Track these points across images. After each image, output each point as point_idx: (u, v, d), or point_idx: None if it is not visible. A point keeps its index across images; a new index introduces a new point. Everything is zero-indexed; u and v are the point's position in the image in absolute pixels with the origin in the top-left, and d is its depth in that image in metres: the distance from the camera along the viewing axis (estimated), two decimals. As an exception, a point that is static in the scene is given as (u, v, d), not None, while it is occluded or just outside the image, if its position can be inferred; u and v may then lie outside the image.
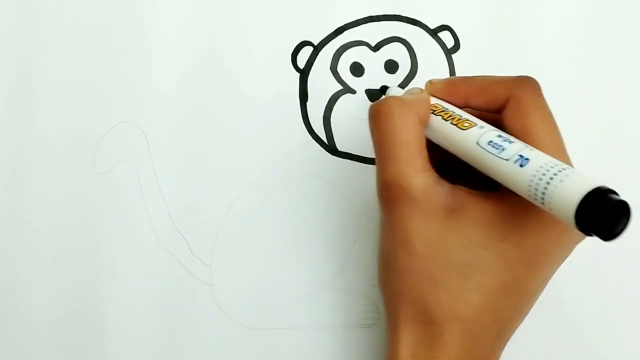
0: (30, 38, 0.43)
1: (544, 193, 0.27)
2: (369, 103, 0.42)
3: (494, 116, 0.33)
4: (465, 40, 0.42)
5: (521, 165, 0.28)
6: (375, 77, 0.42)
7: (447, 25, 0.42)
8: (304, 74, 0.43)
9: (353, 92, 0.42)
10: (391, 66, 0.42)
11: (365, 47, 0.42)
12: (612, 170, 0.41)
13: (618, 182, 0.41)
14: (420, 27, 0.43)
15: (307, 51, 0.43)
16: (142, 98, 0.43)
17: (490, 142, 0.30)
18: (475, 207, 0.31)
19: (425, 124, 0.33)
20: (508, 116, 0.32)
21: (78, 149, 0.42)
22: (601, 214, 0.26)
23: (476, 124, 0.32)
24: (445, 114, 0.33)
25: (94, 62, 0.43)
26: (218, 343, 0.40)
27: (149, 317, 0.41)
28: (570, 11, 0.43)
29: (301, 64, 0.43)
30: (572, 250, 0.33)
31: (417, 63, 0.42)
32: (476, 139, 0.31)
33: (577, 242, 0.32)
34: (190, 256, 0.41)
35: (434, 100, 0.35)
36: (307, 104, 0.42)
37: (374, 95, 0.42)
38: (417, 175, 0.31)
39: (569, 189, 0.26)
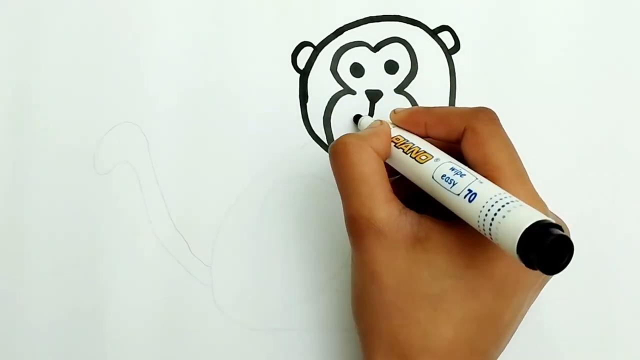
0: (31, 39, 0.43)
1: (490, 227, 0.27)
2: (369, 103, 0.42)
3: (456, 147, 0.33)
4: (465, 41, 0.42)
5: (470, 201, 0.29)
6: (375, 77, 0.42)
7: (447, 26, 0.42)
8: (304, 74, 0.43)
9: (353, 92, 0.42)
10: (391, 67, 0.42)
11: (365, 48, 0.42)
12: (612, 171, 0.41)
13: (618, 183, 0.41)
14: (420, 27, 0.43)
15: (307, 52, 0.43)
16: (142, 99, 0.43)
17: (444, 176, 0.31)
18: (441, 236, 0.30)
19: (384, 156, 0.34)
20: (466, 146, 0.32)
21: (78, 149, 0.42)
22: (541, 248, 0.25)
23: (432, 156, 0.32)
24: (406, 146, 0.34)
25: (94, 63, 0.43)
26: (218, 344, 0.40)
27: (149, 318, 0.41)
28: (570, 11, 0.43)
29: (301, 64, 0.43)
30: (545, 279, 0.33)
31: (417, 63, 0.42)
32: (431, 173, 0.31)
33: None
34: (190, 257, 0.41)
35: (397, 131, 0.35)
36: (307, 104, 0.42)
37: (374, 95, 0.42)
38: (381, 207, 0.31)
39: (512, 223, 0.27)
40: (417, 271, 0.30)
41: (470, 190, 0.29)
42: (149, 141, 0.42)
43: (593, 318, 0.40)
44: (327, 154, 0.42)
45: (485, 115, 0.32)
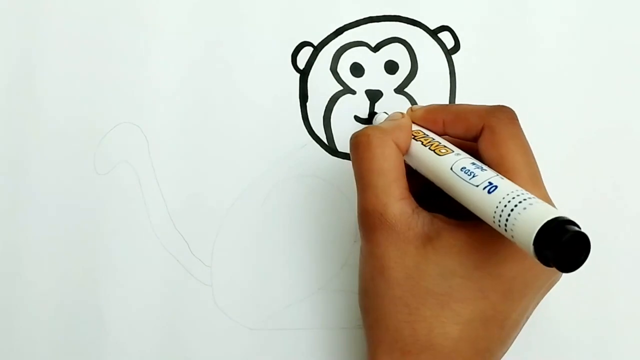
0: (31, 39, 0.43)
1: (507, 221, 0.27)
2: (369, 103, 0.42)
3: (473, 145, 0.33)
4: (465, 41, 0.42)
5: (489, 192, 0.29)
6: (375, 77, 0.42)
7: (447, 26, 0.42)
8: (304, 74, 0.43)
9: (353, 92, 0.42)
10: (391, 67, 0.42)
11: (365, 48, 0.42)
12: (612, 168, 0.41)
13: (618, 182, 0.41)
14: (420, 27, 0.43)
15: (307, 52, 0.43)
16: (142, 99, 0.43)
17: (463, 168, 0.31)
18: (451, 236, 0.31)
19: (404, 151, 0.34)
20: (483, 145, 0.32)
21: (78, 149, 0.42)
22: (558, 244, 0.25)
23: (453, 151, 0.32)
24: (425, 139, 0.34)
25: (94, 63, 0.43)
26: (218, 344, 0.40)
27: (149, 318, 0.41)
28: (570, 11, 0.43)
29: (301, 64, 0.43)
30: (554, 280, 0.33)
31: (417, 63, 0.42)
32: (450, 165, 0.31)
33: (557, 273, 0.32)
34: (191, 257, 0.41)
35: (416, 127, 0.35)
36: (307, 104, 0.42)
37: (374, 95, 0.42)
38: (395, 203, 0.31)
39: (530, 218, 0.26)
40: (426, 269, 0.30)
41: (490, 183, 0.29)
42: (149, 141, 0.42)
43: (595, 316, 0.40)
44: (326, 154, 0.42)
45: (505, 115, 0.32)
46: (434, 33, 0.43)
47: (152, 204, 0.42)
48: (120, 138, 0.42)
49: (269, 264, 0.41)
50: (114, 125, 0.43)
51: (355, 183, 0.33)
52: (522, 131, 0.32)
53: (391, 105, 0.42)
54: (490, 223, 0.29)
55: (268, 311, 0.41)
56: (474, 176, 0.30)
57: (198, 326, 0.41)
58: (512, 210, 0.27)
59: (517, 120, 0.33)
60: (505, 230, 0.27)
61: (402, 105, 0.42)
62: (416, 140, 0.34)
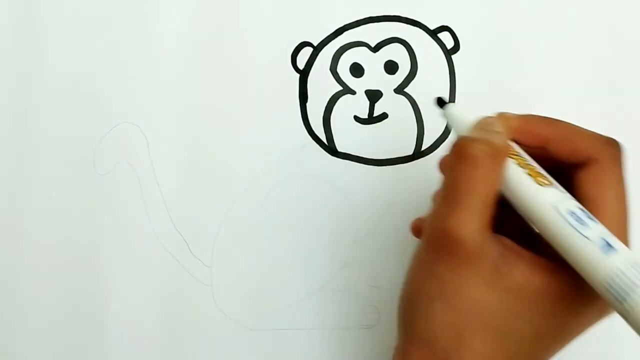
0: (31, 39, 0.43)
1: (627, 295, 0.25)
2: (368, 103, 0.42)
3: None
4: (465, 41, 0.42)
5: (605, 253, 0.26)
6: (375, 77, 0.42)
7: (446, 26, 0.42)
8: (303, 74, 0.43)
9: (353, 92, 0.42)
10: (391, 67, 0.42)
11: (365, 48, 0.42)
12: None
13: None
14: (420, 27, 0.43)
15: (307, 52, 0.43)
16: (142, 99, 0.43)
17: (572, 212, 0.27)
18: (523, 277, 0.29)
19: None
20: (585, 180, 0.29)
21: (78, 149, 0.42)
22: None
23: (553, 184, 0.28)
24: (519, 159, 0.29)
25: (94, 63, 0.43)
26: (218, 344, 0.40)
27: (149, 318, 0.41)
28: (570, 11, 0.43)
29: (301, 64, 0.43)
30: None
31: (416, 64, 0.42)
32: (554, 202, 0.27)
33: (606, 315, 0.31)
34: (190, 257, 0.41)
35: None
36: (307, 104, 0.42)
37: (374, 95, 0.42)
38: (480, 231, 0.29)
39: None
40: (491, 305, 0.29)
41: (606, 241, 0.26)
42: (148, 141, 0.42)
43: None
44: (326, 154, 0.42)
45: (617, 152, 0.30)
46: (433, 33, 0.43)
47: (152, 204, 0.42)
48: (120, 138, 0.42)
49: (268, 264, 0.41)
50: (114, 126, 0.43)
51: (439, 193, 0.30)
52: (624, 175, 0.30)
53: (391, 105, 0.42)
54: (598, 287, 0.26)
55: (268, 311, 0.41)
56: (585, 226, 0.27)
57: (198, 326, 0.41)
58: (633, 289, 0.24)
59: (623, 159, 0.30)
60: (621, 303, 0.25)
61: (402, 105, 0.42)
62: (510, 156, 0.30)
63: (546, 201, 0.28)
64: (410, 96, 0.42)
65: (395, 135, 0.42)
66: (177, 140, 0.42)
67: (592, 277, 0.26)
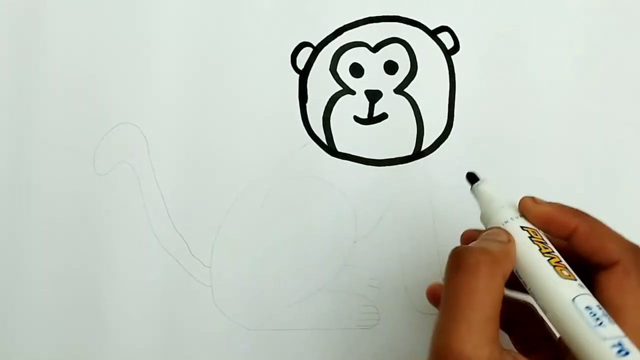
0: (31, 39, 0.43)
1: None
2: (368, 104, 0.42)
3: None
4: (465, 41, 0.42)
5: (619, 354, 0.25)
6: (374, 77, 0.42)
7: (446, 26, 0.42)
8: (303, 74, 0.43)
9: (352, 92, 0.42)
10: (391, 67, 0.42)
11: (364, 48, 0.42)
12: (611, 168, 0.41)
13: (617, 180, 0.41)
14: (419, 28, 0.42)
15: (306, 52, 0.43)
16: (141, 99, 0.43)
17: (589, 308, 0.26)
18: None
19: (505, 281, 0.29)
20: (606, 280, 0.29)
21: (78, 150, 0.42)
22: None
23: (576, 279, 0.28)
24: (545, 247, 0.29)
25: (95, 63, 0.43)
26: (217, 344, 0.41)
27: (149, 318, 0.41)
28: (570, 12, 0.43)
29: (301, 64, 0.43)
30: None
31: (416, 64, 0.42)
32: (573, 296, 0.27)
33: None
34: (190, 257, 0.41)
35: (528, 224, 0.30)
36: (307, 104, 0.42)
37: (374, 95, 0.42)
38: (486, 347, 0.27)
39: None
40: None
41: (621, 345, 0.25)
42: (148, 142, 0.42)
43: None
44: (326, 154, 0.42)
45: None
46: (433, 33, 0.42)
47: (152, 204, 0.42)
48: (120, 138, 0.42)
49: (268, 265, 0.41)
50: (114, 126, 0.43)
51: (442, 306, 0.29)
52: None
53: (391, 105, 0.42)
54: None
55: (267, 312, 0.41)
56: (601, 324, 0.26)
57: (197, 327, 0.41)
58: None
59: None
60: None
61: (401, 105, 0.42)
62: (533, 242, 0.29)
63: (563, 292, 0.27)
64: (410, 96, 0.42)
65: (395, 135, 0.42)
66: (176, 140, 0.42)
67: None
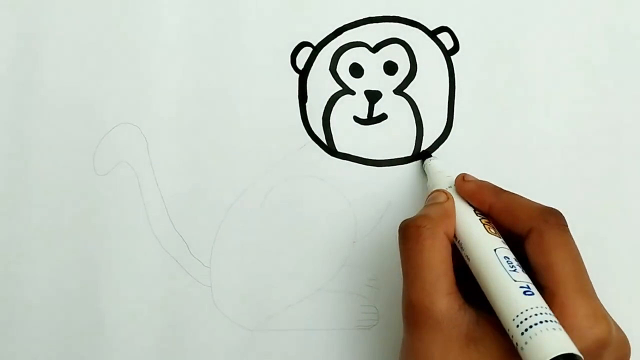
0: (31, 39, 0.43)
1: (525, 330, 0.27)
2: (368, 104, 0.42)
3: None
4: (465, 42, 0.42)
5: (524, 294, 0.29)
6: (374, 78, 0.42)
7: (446, 27, 0.42)
8: (303, 74, 0.43)
9: (352, 93, 0.42)
10: (390, 67, 0.42)
11: (364, 48, 0.42)
12: (611, 169, 0.41)
13: (617, 181, 0.41)
14: (419, 28, 0.42)
15: (306, 52, 0.43)
16: (141, 99, 0.43)
17: (507, 258, 0.31)
18: (494, 340, 0.30)
19: (451, 239, 0.33)
20: (530, 248, 0.32)
21: (77, 150, 0.42)
22: None
23: (500, 237, 0.32)
24: (478, 211, 0.34)
25: (94, 64, 0.43)
26: (217, 345, 0.41)
27: (149, 319, 0.41)
28: (570, 13, 0.43)
29: (300, 64, 0.43)
30: None
31: (416, 64, 0.42)
32: (494, 247, 0.31)
33: None
34: (190, 257, 0.41)
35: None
36: (306, 104, 0.42)
37: (373, 95, 0.42)
38: (443, 298, 0.31)
39: (544, 343, 0.27)
40: None
41: (528, 287, 0.29)
42: (148, 142, 0.42)
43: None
44: (325, 154, 0.42)
45: (555, 220, 0.32)
46: (433, 34, 0.42)
47: (152, 204, 0.42)
48: (120, 138, 0.42)
49: (268, 265, 0.41)
50: (113, 126, 0.42)
51: (402, 272, 0.33)
52: (572, 238, 0.32)
53: (391, 106, 0.42)
54: (506, 322, 0.29)
55: (267, 312, 0.41)
56: (514, 271, 0.30)
57: (197, 327, 0.41)
58: (536, 324, 0.27)
59: (567, 225, 0.32)
60: (516, 344, 0.28)
61: (401, 106, 0.42)
62: (469, 205, 0.34)
63: (487, 243, 0.32)
64: (409, 97, 0.42)
65: (394, 135, 0.42)
66: (176, 140, 0.42)
67: (504, 318, 0.29)
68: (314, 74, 0.42)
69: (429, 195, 0.36)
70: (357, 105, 0.42)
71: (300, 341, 0.40)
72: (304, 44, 0.43)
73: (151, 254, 0.41)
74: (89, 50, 0.43)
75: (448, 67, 0.42)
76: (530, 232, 0.32)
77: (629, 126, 0.42)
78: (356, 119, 0.42)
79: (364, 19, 0.43)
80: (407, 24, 0.42)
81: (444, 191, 0.36)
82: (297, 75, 0.43)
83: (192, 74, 0.43)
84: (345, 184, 0.42)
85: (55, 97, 0.43)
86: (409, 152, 0.42)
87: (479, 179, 0.36)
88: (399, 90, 0.42)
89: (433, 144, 0.42)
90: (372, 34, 0.43)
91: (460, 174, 0.36)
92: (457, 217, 0.34)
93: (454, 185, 0.36)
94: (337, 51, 0.43)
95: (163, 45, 0.43)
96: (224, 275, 0.41)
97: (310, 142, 0.42)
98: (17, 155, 0.42)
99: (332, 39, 0.43)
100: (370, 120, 0.42)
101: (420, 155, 0.41)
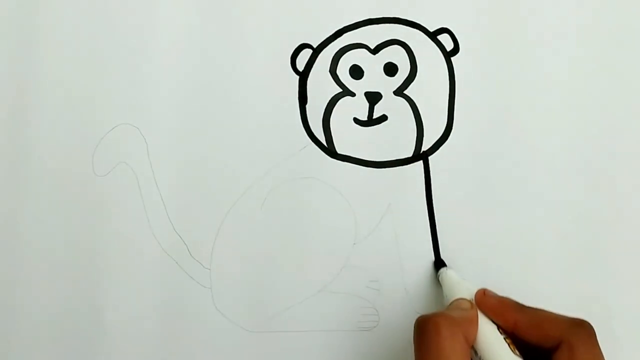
0: (31, 39, 0.43)
1: None
2: (368, 105, 0.42)
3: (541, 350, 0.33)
4: (465, 43, 0.42)
5: None
6: (374, 79, 0.42)
7: (446, 28, 0.42)
8: (303, 76, 0.43)
9: (352, 94, 0.42)
10: (390, 69, 0.42)
11: (364, 50, 0.42)
12: (611, 169, 0.41)
13: (617, 181, 0.41)
14: (419, 29, 0.43)
15: (306, 54, 0.43)
16: (141, 100, 0.43)
17: None
18: None
19: (471, 344, 0.33)
20: None
21: (77, 151, 0.42)
22: None
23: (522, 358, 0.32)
24: (500, 329, 0.33)
25: (94, 64, 0.43)
26: (217, 346, 0.40)
27: (149, 320, 0.41)
28: (569, 14, 0.43)
29: (300, 66, 0.43)
30: None
31: (416, 66, 0.42)
32: None
33: None
34: (190, 259, 0.41)
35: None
36: (307, 106, 0.42)
37: (374, 97, 0.42)
38: None
39: None
40: None
41: None
42: (147, 143, 0.42)
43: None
44: (325, 156, 0.42)
45: (585, 332, 0.32)
46: (433, 35, 0.43)
47: (151, 206, 0.42)
48: (119, 139, 0.42)
49: (268, 266, 0.41)
50: (113, 127, 0.42)
51: None
52: (600, 349, 0.31)
53: (391, 107, 0.42)
54: None
55: (267, 313, 0.41)
56: None
57: (197, 329, 0.41)
58: None
59: (596, 337, 0.32)
60: None
61: (401, 107, 0.42)
62: (493, 322, 0.34)
63: None
64: (409, 98, 0.42)
65: (394, 137, 0.42)
66: (176, 141, 0.42)
67: None
68: (314, 76, 0.43)
69: (450, 304, 0.36)
70: (358, 106, 0.42)
71: (300, 343, 0.40)
72: (304, 46, 0.43)
73: (151, 256, 0.41)
74: (88, 51, 0.43)
75: (448, 68, 0.42)
76: (561, 347, 0.31)
77: (631, 127, 0.42)
78: (356, 120, 0.42)
79: (363, 21, 0.43)
80: (407, 25, 0.43)
81: (469, 301, 0.35)
82: (297, 77, 0.43)
83: (192, 75, 0.43)
84: (345, 185, 0.41)
85: (54, 97, 0.43)
86: (409, 154, 0.42)
87: (499, 294, 0.35)
88: (399, 92, 0.42)
89: (433, 145, 0.42)
90: (372, 35, 0.43)
91: (481, 289, 0.35)
92: (480, 330, 0.33)
93: (474, 298, 0.35)
94: (337, 53, 0.43)
95: (163, 47, 0.43)
96: (224, 276, 0.41)
97: (310, 143, 0.42)
98: (17, 156, 0.42)
99: (332, 40, 0.43)
100: (371, 121, 0.42)
101: (435, 263, 0.40)
